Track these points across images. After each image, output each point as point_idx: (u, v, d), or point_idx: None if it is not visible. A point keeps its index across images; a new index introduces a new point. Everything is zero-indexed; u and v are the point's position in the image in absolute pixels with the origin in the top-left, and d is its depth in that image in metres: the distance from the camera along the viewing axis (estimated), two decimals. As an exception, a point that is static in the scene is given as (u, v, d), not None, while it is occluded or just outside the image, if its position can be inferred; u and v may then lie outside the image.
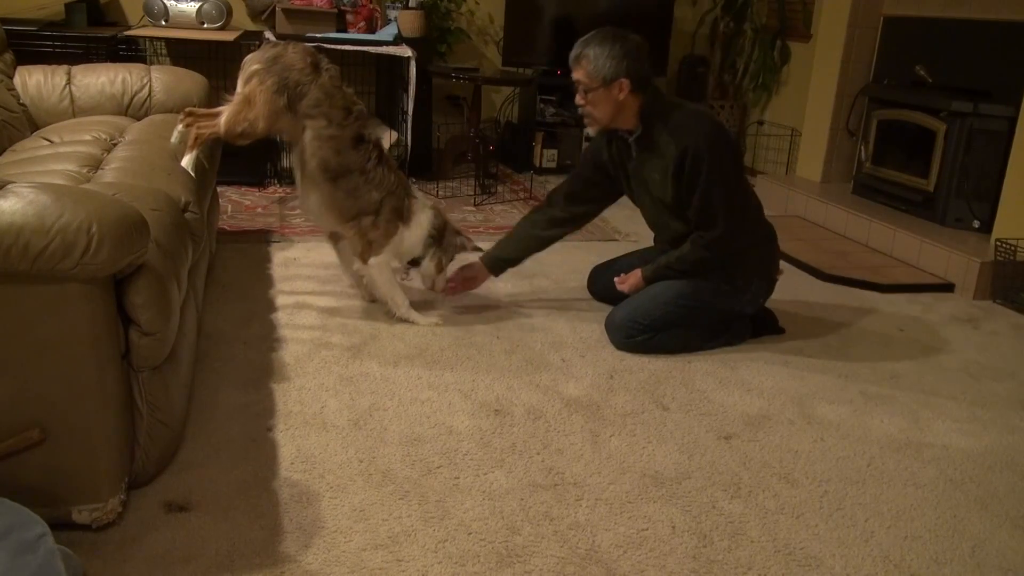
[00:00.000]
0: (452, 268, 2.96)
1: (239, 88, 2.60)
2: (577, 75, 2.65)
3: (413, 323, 2.83)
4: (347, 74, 5.10)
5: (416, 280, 3.00)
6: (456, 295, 3.02)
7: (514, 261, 2.99)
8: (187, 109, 2.73)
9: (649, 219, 2.91)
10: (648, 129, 2.67)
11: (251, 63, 2.59)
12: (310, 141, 2.60)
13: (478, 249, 2.99)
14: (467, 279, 2.99)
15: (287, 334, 2.67)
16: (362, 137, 2.66)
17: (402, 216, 2.76)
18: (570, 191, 2.97)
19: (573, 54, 2.65)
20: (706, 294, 2.74)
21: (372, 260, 2.75)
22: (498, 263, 2.98)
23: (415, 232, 2.80)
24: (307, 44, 2.66)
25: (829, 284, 3.61)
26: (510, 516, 1.84)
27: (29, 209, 1.46)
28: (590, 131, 2.77)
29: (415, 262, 2.87)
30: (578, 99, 2.69)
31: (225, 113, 2.58)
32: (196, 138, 2.63)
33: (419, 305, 2.91)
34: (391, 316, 2.85)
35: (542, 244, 2.99)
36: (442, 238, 2.86)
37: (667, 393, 2.48)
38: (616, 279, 2.91)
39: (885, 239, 4.03)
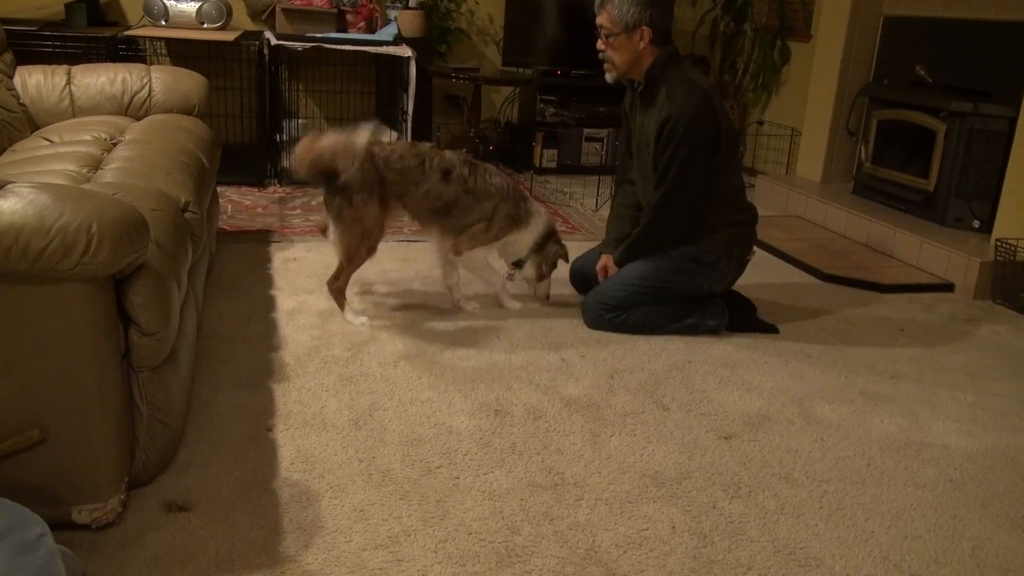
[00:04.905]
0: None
1: (337, 217, 2.68)
2: (600, 19, 2.72)
3: (502, 305, 3.00)
4: (347, 74, 5.15)
5: (521, 283, 3.11)
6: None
7: (628, 235, 2.99)
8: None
9: (640, 182, 2.95)
10: (651, 85, 2.74)
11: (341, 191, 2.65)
12: (410, 205, 2.76)
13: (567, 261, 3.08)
14: (600, 269, 3.02)
15: (287, 334, 2.68)
16: (448, 171, 2.75)
17: (518, 221, 2.87)
18: (626, 149, 3.05)
19: (598, 0, 2.72)
20: (671, 274, 2.81)
21: (466, 254, 2.85)
22: (616, 244, 3.01)
23: (525, 237, 2.91)
24: (358, 144, 2.71)
25: (829, 284, 3.61)
26: (510, 516, 1.84)
27: (29, 209, 1.46)
28: (608, 77, 2.82)
29: (519, 264, 2.98)
30: (599, 44, 2.76)
31: (339, 243, 2.71)
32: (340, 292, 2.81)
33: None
34: (457, 307, 2.96)
35: (638, 209, 3.01)
36: (544, 246, 2.95)
37: (667, 393, 2.48)
38: (597, 269, 2.99)
39: (885, 239, 4.03)
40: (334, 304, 2.91)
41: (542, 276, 3.02)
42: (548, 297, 3.08)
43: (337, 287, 2.79)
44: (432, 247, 2.99)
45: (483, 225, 2.82)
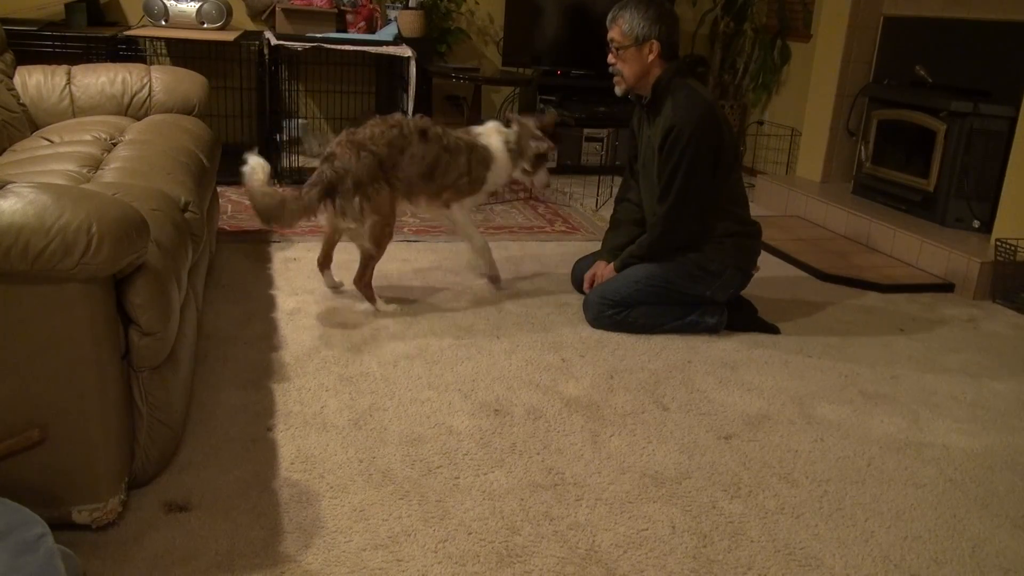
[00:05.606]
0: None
1: (361, 216, 2.76)
2: (612, 34, 2.82)
3: (487, 273, 3.17)
4: (347, 74, 5.14)
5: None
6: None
7: (626, 245, 3.03)
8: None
9: (645, 197, 2.99)
10: (656, 99, 2.82)
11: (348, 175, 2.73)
12: (403, 176, 2.83)
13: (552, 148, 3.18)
14: (595, 275, 3.05)
15: (287, 334, 2.68)
16: (425, 130, 2.87)
17: (487, 165, 3.02)
18: (629, 168, 3.14)
19: (610, 15, 2.83)
20: (677, 276, 2.85)
21: (456, 205, 3.02)
22: (614, 252, 3.05)
23: (498, 168, 3.04)
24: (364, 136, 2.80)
25: (829, 284, 3.61)
26: (510, 516, 1.84)
27: (29, 209, 1.46)
28: (617, 91, 2.90)
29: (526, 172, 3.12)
30: (610, 58, 2.85)
31: (369, 236, 2.79)
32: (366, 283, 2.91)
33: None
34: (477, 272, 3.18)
35: (640, 223, 3.06)
36: (521, 146, 3.06)
37: (667, 393, 2.48)
38: (585, 276, 3.06)
39: (885, 239, 4.03)
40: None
41: (532, 172, 3.12)
42: (548, 185, 3.23)
43: (365, 282, 2.87)
44: (451, 228, 3.15)
45: (465, 179, 2.96)
